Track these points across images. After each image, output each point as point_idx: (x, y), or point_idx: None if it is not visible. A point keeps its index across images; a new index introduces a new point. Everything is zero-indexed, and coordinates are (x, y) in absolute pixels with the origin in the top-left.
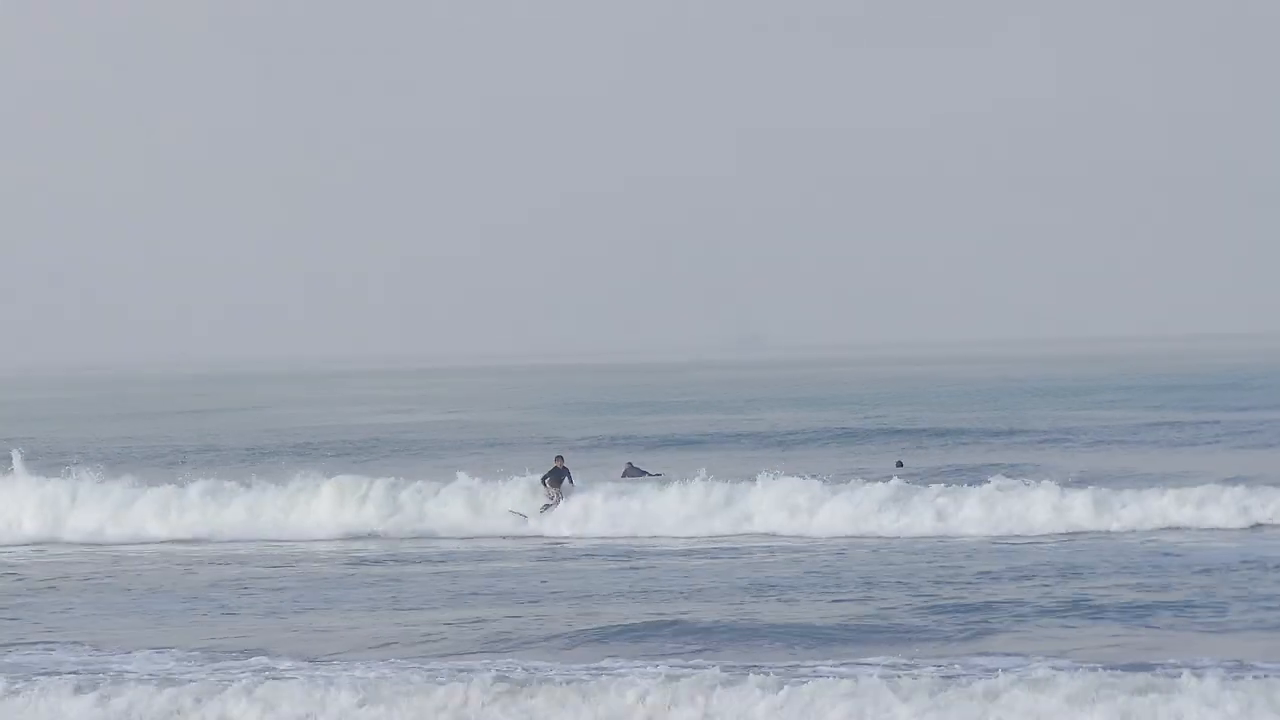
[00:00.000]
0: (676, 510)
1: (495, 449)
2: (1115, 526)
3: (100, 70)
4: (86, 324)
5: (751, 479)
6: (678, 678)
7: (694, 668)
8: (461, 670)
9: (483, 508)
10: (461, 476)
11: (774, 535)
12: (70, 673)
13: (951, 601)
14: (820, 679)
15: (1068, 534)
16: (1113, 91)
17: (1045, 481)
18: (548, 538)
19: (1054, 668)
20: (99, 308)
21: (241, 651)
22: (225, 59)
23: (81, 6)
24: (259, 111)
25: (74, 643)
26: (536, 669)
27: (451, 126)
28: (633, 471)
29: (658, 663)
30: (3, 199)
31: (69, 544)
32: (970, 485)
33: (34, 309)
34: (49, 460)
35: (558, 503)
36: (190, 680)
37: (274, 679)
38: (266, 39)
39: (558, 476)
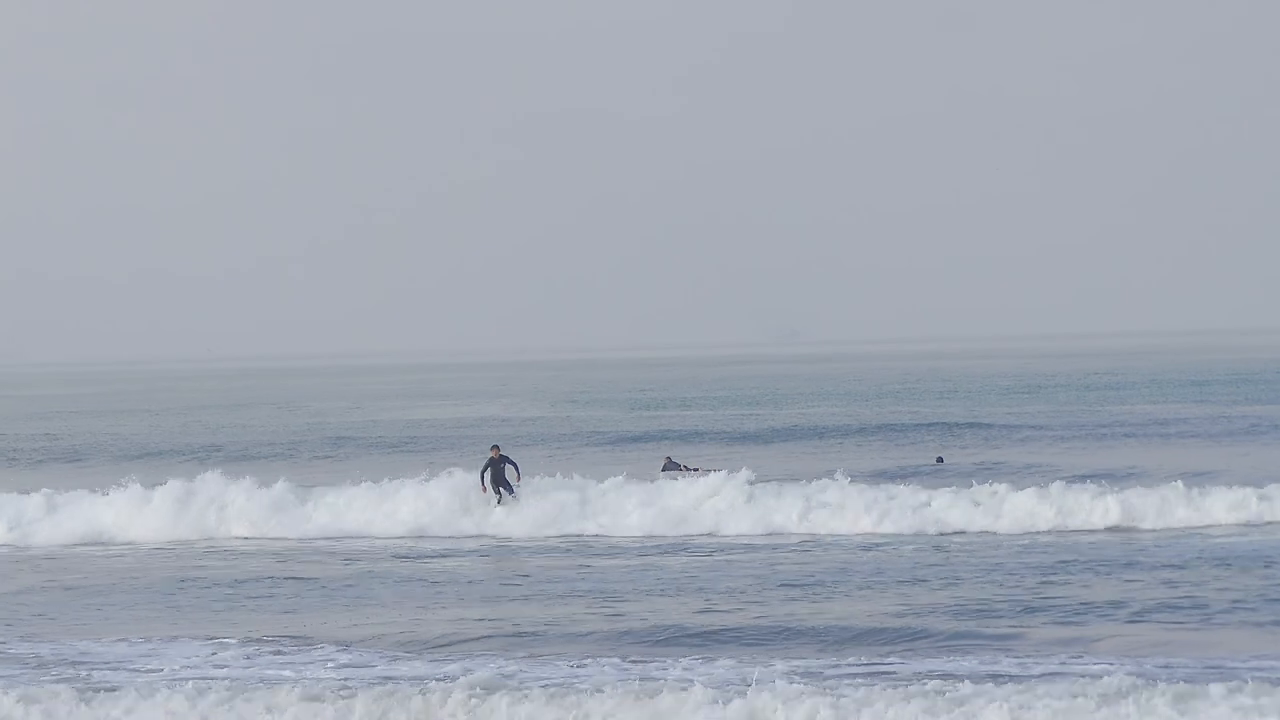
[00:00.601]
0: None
1: (542, 443)
2: (1145, 525)
3: (104, 67)
4: (87, 325)
5: (792, 478)
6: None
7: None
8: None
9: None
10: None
11: (793, 534)
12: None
13: (991, 601)
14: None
15: (1106, 530)
16: (1122, 88)
17: (1085, 481)
18: (498, 538)
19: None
20: (103, 309)
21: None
22: (229, 60)
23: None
24: (268, 116)
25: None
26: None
27: (479, 126)
28: (672, 466)
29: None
30: (14, 202)
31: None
32: (1009, 482)
33: (40, 310)
34: (74, 455)
35: (502, 498)
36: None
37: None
38: (269, 40)
39: (498, 469)
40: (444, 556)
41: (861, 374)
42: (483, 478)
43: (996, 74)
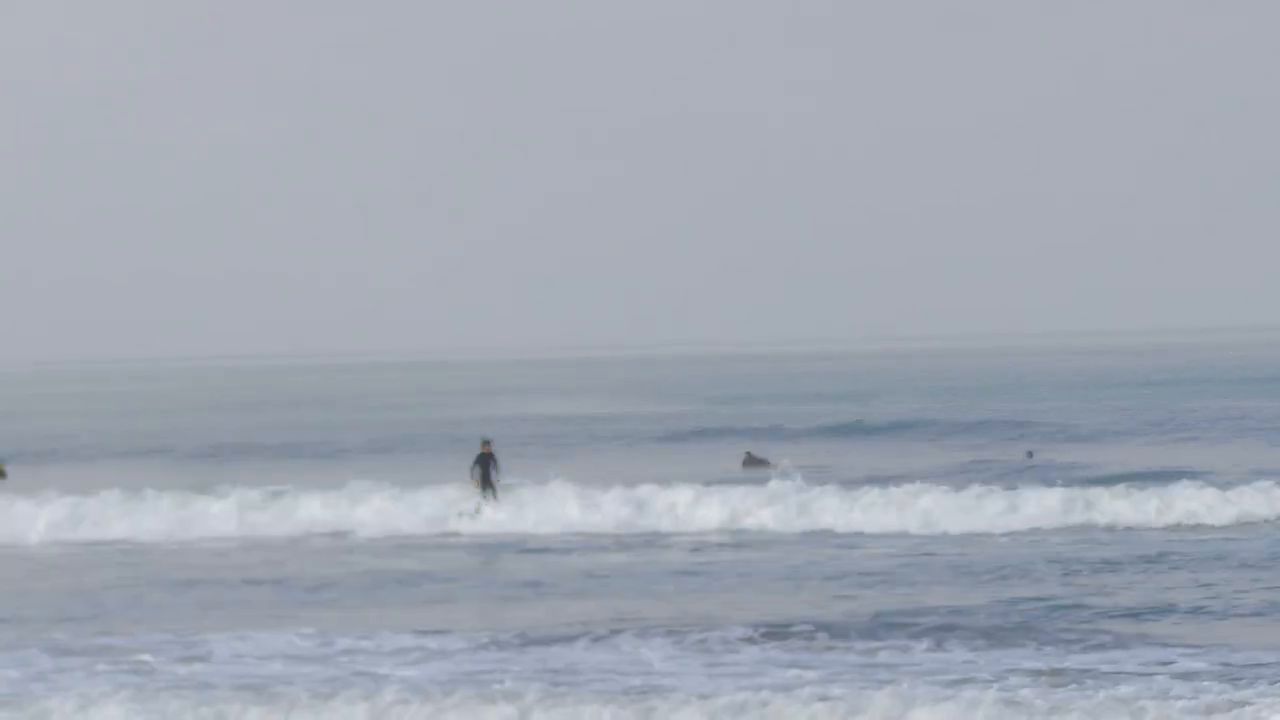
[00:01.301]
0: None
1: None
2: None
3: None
4: (96, 323)
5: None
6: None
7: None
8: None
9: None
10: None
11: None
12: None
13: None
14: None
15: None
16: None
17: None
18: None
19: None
20: (103, 309)
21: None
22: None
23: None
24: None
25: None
26: None
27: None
28: (752, 461)
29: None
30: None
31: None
32: (1095, 478)
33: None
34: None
35: (487, 499)
36: None
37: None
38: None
39: (486, 467)
40: (502, 550)
41: (945, 370)
42: (473, 472)
43: (997, 74)
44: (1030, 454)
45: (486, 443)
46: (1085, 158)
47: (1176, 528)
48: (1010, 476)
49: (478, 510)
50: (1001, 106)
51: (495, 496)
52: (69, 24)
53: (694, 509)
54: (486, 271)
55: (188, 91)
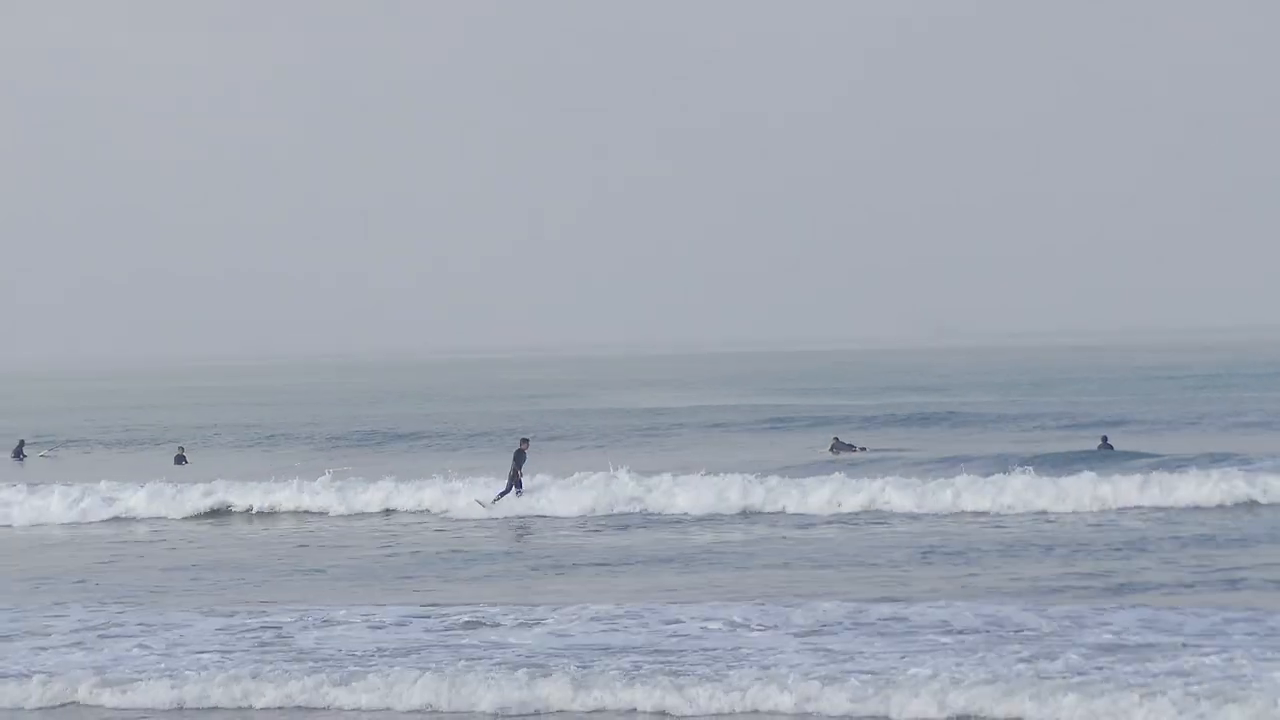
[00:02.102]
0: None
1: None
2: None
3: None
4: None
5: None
6: None
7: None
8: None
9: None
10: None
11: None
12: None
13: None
14: None
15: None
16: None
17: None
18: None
19: None
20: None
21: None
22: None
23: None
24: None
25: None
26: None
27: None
28: (840, 446)
29: None
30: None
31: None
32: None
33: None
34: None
35: (510, 490)
36: None
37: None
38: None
39: (519, 460)
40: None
41: (1024, 366)
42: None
43: (997, 75)
44: (1105, 439)
45: (526, 440)
46: (1085, 158)
47: (1247, 507)
48: (1086, 462)
49: (499, 497)
50: (1001, 107)
51: (519, 488)
52: (70, 24)
53: (790, 491)
54: (488, 271)
55: (188, 92)
